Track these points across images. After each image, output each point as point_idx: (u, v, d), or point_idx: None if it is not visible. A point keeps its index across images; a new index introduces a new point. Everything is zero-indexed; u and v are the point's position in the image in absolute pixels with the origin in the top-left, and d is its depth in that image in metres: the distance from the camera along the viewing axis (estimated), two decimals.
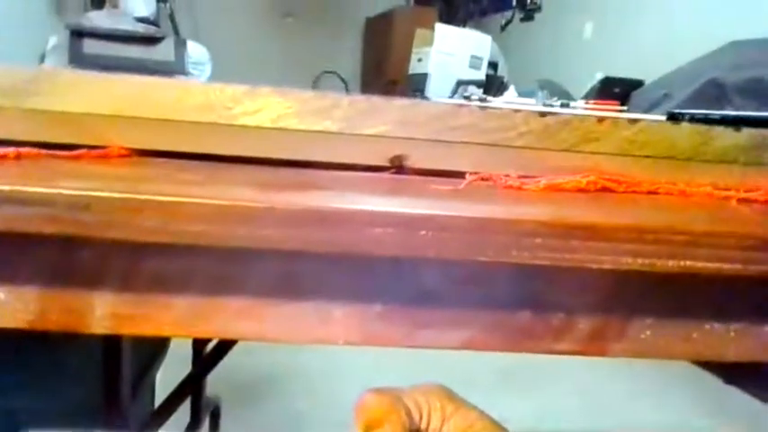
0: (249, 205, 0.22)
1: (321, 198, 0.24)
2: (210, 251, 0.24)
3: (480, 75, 1.69)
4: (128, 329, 0.25)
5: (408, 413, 0.23)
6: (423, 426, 0.24)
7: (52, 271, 0.25)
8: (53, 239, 0.23)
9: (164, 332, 0.26)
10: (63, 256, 0.25)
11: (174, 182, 0.25)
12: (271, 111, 0.30)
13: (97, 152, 0.29)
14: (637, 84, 1.70)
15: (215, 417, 0.95)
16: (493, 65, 1.82)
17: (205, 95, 0.30)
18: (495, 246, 0.22)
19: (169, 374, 0.83)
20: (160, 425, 0.69)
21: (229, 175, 0.28)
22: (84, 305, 0.25)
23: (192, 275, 0.25)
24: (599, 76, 1.80)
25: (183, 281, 0.25)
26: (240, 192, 0.24)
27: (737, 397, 1.51)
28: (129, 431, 0.61)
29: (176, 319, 0.26)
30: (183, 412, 0.83)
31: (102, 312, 0.25)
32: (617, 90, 1.63)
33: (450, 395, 0.24)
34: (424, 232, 0.22)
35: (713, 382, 1.55)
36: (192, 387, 0.84)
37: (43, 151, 0.28)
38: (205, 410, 0.90)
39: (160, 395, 0.77)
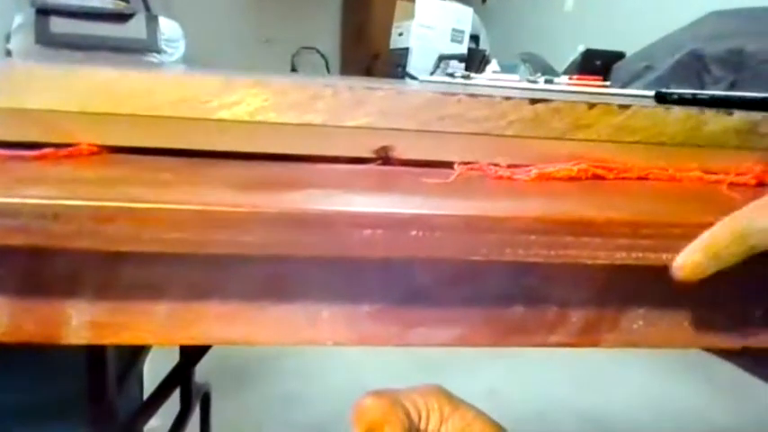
0: (228, 210, 0.20)
1: (306, 199, 0.23)
2: (191, 256, 0.23)
3: (462, 48, 1.66)
4: (107, 339, 0.24)
5: (407, 415, 0.23)
6: (422, 427, 0.23)
7: (23, 280, 0.24)
8: (22, 248, 0.21)
9: (145, 340, 0.25)
10: (34, 264, 0.24)
11: (148, 184, 0.24)
12: (250, 104, 0.28)
13: (64, 151, 0.27)
14: (618, 56, 1.68)
15: (205, 403, 0.95)
16: (474, 38, 1.79)
17: (179, 88, 0.28)
18: (489, 244, 0.22)
19: (157, 365, 0.82)
20: (149, 417, 0.69)
21: (207, 173, 0.26)
22: (60, 315, 0.24)
23: (172, 280, 0.24)
24: (581, 48, 1.78)
25: (163, 286, 0.24)
26: (219, 194, 0.23)
27: (721, 365, 1.56)
28: (116, 425, 0.60)
29: (157, 327, 0.25)
30: (173, 400, 0.83)
31: (79, 322, 0.24)
32: (598, 62, 1.62)
33: (448, 396, 0.24)
34: (414, 233, 0.21)
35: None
36: (180, 377, 0.84)
37: (5, 152, 0.26)
38: (195, 398, 0.89)
39: (149, 387, 0.76)
